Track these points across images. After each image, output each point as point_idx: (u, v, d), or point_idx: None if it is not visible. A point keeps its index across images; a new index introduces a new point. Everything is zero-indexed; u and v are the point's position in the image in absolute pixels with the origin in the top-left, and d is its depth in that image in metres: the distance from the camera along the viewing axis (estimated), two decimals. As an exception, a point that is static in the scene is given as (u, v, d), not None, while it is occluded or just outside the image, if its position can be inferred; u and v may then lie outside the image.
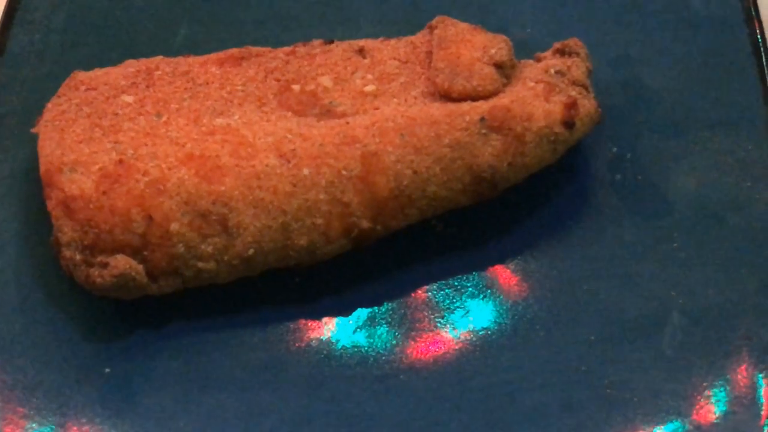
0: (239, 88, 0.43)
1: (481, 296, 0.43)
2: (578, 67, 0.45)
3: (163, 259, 0.39)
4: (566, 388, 0.40)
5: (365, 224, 0.40)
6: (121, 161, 0.40)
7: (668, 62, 0.50)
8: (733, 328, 0.41)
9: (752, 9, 0.50)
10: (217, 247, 0.39)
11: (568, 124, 0.43)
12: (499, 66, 0.43)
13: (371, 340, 0.41)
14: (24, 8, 0.52)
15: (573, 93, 0.43)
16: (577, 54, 0.45)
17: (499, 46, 0.44)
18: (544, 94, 0.43)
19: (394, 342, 0.41)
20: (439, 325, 0.42)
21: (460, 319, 0.42)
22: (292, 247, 0.40)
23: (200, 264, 0.39)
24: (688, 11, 0.52)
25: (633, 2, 0.52)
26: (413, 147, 0.41)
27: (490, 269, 0.44)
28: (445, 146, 0.41)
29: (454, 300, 0.43)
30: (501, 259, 0.44)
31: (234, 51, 0.45)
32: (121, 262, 0.38)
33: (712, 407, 0.39)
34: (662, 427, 0.38)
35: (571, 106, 0.43)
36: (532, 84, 0.43)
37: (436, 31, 0.45)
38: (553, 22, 0.51)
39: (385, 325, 0.42)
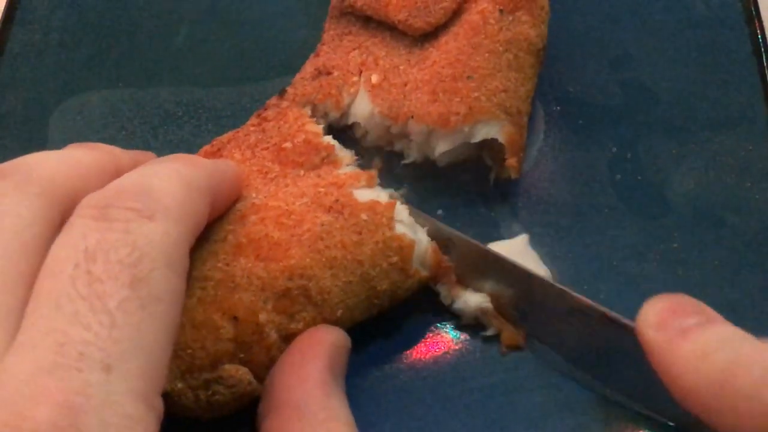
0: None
1: (481, 296, 0.43)
2: None
3: (262, 353, 0.36)
4: (566, 388, 0.40)
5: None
6: None
7: (668, 62, 0.50)
8: (733, 328, 0.41)
9: (752, 9, 0.50)
10: (307, 321, 0.36)
11: None
12: None
13: (371, 341, 0.41)
14: (24, 8, 0.52)
15: None
16: None
17: None
18: None
19: (394, 342, 0.41)
20: (439, 325, 0.42)
21: (461, 319, 0.42)
22: (376, 295, 0.38)
23: None
24: (688, 11, 0.52)
25: (633, 2, 0.52)
26: (483, 76, 0.41)
27: (490, 269, 0.44)
28: (503, 53, 0.42)
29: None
30: (501, 259, 0.44)
31: (206, 148, 0.43)
32: (232, 371, 0.35)
33: (712, 407, 0.39)
34: (662, 427, 0.38)
35: None
36: None
37: (357, 4, 0.45)
38: (553, 22, 0.51)
39: (385, 326, 0.42)
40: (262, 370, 0.36)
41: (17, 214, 0.29)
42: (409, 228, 0.38)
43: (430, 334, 0.42)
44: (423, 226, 0.40)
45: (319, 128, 0.42)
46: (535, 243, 0.44)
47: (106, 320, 0.25)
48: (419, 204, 0.44)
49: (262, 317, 0.35)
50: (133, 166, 0.34)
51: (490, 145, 0.43)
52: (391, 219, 0.38)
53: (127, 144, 0.47)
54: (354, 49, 0.45)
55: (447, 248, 0.40)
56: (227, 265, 0.36)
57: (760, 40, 0.49)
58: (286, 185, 0.39)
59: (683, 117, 0.48)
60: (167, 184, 0.30)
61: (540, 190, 0.45)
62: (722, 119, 0.48)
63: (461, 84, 0.41)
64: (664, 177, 0.46)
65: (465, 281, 0.40)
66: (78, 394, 0.24)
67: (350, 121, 0.44)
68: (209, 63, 0.51)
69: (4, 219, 0.28)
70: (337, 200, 0.38)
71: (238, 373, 0.35)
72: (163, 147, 0.47)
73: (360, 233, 0.37)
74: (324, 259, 0.36)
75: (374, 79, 0.43)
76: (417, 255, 0.38)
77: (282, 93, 0.44)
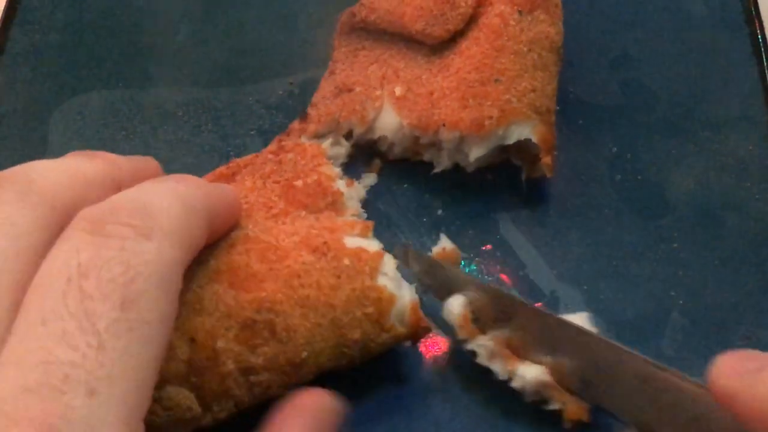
0: (242, 200, 0.40)
1: (481, 296, 0.43)
2: None
3: (214, 381, 0.35)
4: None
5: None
6: None
7: (668, 62, 0.50)
8: (732, 328, 0.41)
9: (752, 9, 0.50)
10: (268, 356, 0.35)
11: None
12: None
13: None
14: (24, 8, 0.52)
15: None
16: None
17: None
18: None
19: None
20: (439, 325, 0.42)
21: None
22: (346, 344, 0.36)
23: (252, 378, 0.36)
24: (688, 11, 0.52)
25: (633, 2, 0.52)
26: (511, 77, 0.41)
27: (491, 269, 0.44)
28: (528, 53, 0.42)
29: (454, 300, 0.43)
30: (501, 260, 0.44)
31: (222, 169, 0.42)
32: (173, 393, 0.34)
33: (712, 407, 0.39)
34: (662, 427, 0.38)
35: None
36: None
37: (371, 18, 0.45)
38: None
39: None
40: (213, 399, 0.35)
41: (14, 222, 0.28)
42: (394, 282, 0.37)
43: (430, 335, 0.41)
44: (481, 292, 0.38)
45: (335, 172, 0.41)
46: (536, 243, 0.44)
47: (94, 342, 0.25)
48: (433, 207, 0.44)
49: (220, 344, 0.35)
50: (134, 174, 0.34)
51: (517, 146, 0.43)
52: (375, 269, 0.37)
53: (127, 144, 0.47)
54: (372, 63, 0.44)
55: (505, 315, 0.38)
56: (200, 288, 0.35)
57: (760, 40, 0.49)
58: (284, 223, 0.39)
59: (683, 117, 0.48)
60: (165, 203, 0.30)
61: (540, 190, 0.45)
62: (722, 119, 0.48)
63: (490, 87, 0.41)
64: (664, 177, 0.46)
65: (522, 353, 0.38)
66: (59, 418, 0.24)
67: (376, 135, 0.44)
68: (209, 63, 0.51)
69: (1, 226, 0.28)
70: (325, 242, 0.37)
71: (178, 396, 0.34)
72: (163, 147, 0.47)
73: (339, 277, 0.36)
74: (296, 297, 0.35)
75: (398, 91, 0.43)
76: (396, 310, 0.37)
77: (304, 116, 0.43)
